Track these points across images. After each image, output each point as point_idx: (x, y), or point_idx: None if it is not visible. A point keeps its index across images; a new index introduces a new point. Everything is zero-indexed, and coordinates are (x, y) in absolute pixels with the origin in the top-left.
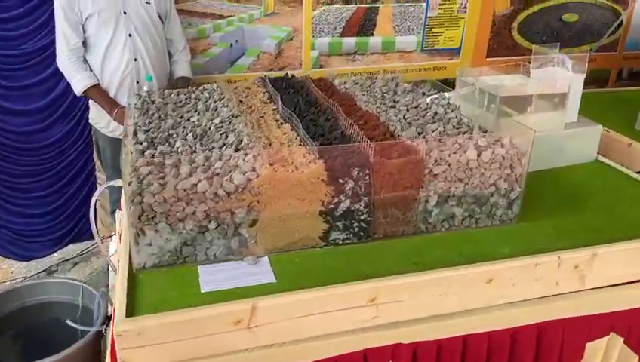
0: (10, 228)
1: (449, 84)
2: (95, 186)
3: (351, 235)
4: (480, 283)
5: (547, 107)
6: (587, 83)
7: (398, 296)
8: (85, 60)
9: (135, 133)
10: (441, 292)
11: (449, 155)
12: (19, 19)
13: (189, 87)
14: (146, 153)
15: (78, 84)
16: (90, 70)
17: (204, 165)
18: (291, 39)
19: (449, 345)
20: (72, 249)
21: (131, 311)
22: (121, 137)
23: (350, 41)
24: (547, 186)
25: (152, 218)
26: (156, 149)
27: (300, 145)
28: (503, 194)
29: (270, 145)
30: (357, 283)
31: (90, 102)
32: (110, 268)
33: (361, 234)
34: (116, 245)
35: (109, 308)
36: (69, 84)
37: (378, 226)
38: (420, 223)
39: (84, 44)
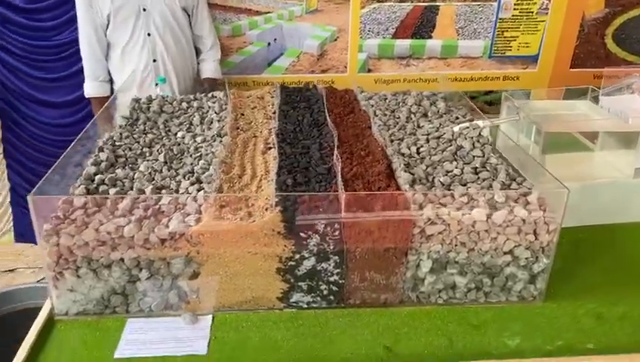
0: None
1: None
2: None
3: (318, 299)
4: None
5: (613, 146)
6: None
7: None
8: (106, 60)
9: (100, 149)
10: None
11: (449, 213)
12: (54, 9)
13: (200, 94)
14: (96, 178)
15: (86, 88)
16: (107, 73)
17: (150, 200)
18: (336, 39)
19: None
20: None
21: None
22: None
23: (404, 44)
24: (599, 250)
25: (74, 261)
26: (114, 172)
27: (272, 180)
28: (522, 266)
29: (240, 177)
30: None
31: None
32: None
33: (331, 298)
34: None
35: None
36: None
37: (353, 291)
38: (409, 291)
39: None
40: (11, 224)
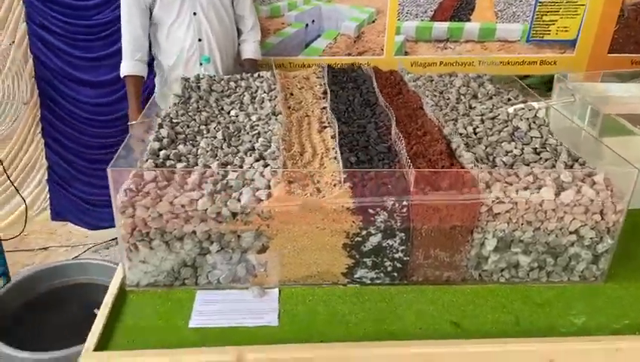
0: (82, 197)
1: (549, 85)
2: None
3: (382, 275)
4: None
5: None
6: None
7: None
8: (149, 41)
9: (160, 126)
10: None
11: (517, 192)
12: None
13: (245, 74)
14: (160, 153)
15: (123, 68)
16: (145, 54)
17: (217, 175)
18: (373, 21)
19: None
20: None
21: (107, 339)
22: None
23: (442, 27)
24: None
25: (147, 234)
26: (176, 148)
27: (335, 158)
28: (587, 245)
29: (301, 155)
30: (374, 345)
31: (156, 80)
32: None
33: (394, 274)
34: None
35: None
36: None
37: (417, 268)
38: (472, 269)
39: (151, 22)
40: (48, 202)
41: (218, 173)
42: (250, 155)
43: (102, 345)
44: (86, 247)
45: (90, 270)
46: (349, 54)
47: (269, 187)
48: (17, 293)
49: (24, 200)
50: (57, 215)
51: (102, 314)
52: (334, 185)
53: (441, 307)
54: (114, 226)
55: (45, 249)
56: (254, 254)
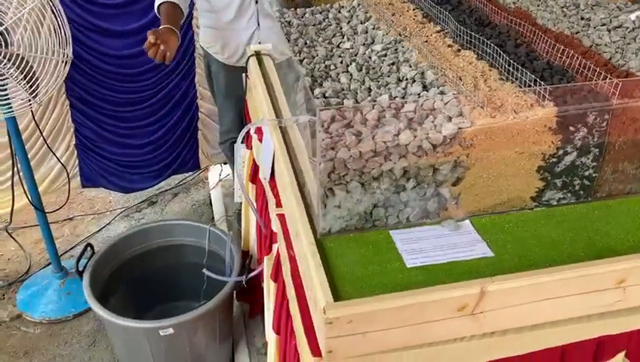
0: (112, 158)
1: None
2: (197, 116)
3: (568, 195)
4: None
5: None
6: None
7: None
8: None
9: (290, 65)
10: None
11: None
12: None
13: (314, 6)
14: (315, 91)
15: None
16: None
17: (390, 109)
18: None
19: None
20: (173, 179)
21: (334, 292)
22: (237, 65)
23: None
24: None
25: (344, 176)
26: (322, 86)
27: (501, 79)
28: None
29: (460, 79)
30: (604, 262)
31: (201, 24)
32: (214, 200)
33: (581, 193)
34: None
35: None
36: None
37: (602, 184)
38: None
39: None
40: (77, 169)
41: (393, 107)
42: (411, 85)
43: (335, 297)
44: (114, 214)
45: (174, 231)
46: None
47: (461, 115)
48: (104, 263)
49: (63, 165)
50: (88, 180)
51: (315, 264)
52: (531, 105)
53: (638, 219)
54: (149, 187)
55: (71, 219)
56: (448, 187)
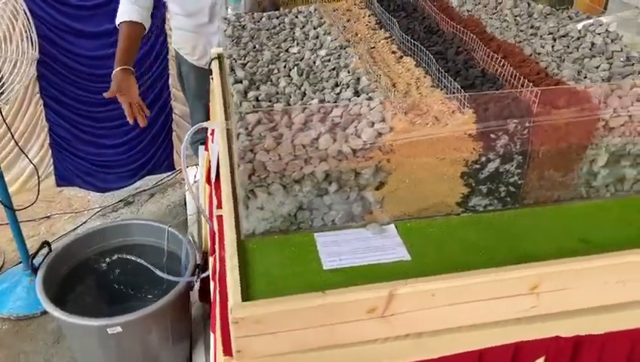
0: (86, 158)
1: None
2: (171, 117)
3: (495, 201)
4: None
5: None
6: None
7: (564, 283)
8: None
9: (232, 69)
10: (618, 280)
11: (632, 104)
12: None
13: (281, 9)
14: (249, 94)
15: (120, 14)
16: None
17: (319, 113)
18: None
19: (615, 341)
20: (149, 180)
21: (247, 291)
22: (206, 67)
23: None
24: None
25: (265, 178)
26: (259, 89)
27: (433, 86)
28: None
29: (394, 86)
30: (518, 267)
31: (173, 25)
32: (188, 201)
33: (507, 199)
34: (195, 177)
35: (197, 256)
36: None
37: (529, 191)
38: (580, 187)
39: None
40: (52, 168)
41: (323, 109)
42: (342, 91)
43: (246, 296)
44: (91, 213)
45: (132, 231)
46: None
47: (383, 120)
48: (61, 262)
49: (34, 165)
50: (62, 179)
51: (232, 265)
52: (453, 112)
53: (562, 226)
54: (124, 187)
55: (48, 218)
56: (372, 191)
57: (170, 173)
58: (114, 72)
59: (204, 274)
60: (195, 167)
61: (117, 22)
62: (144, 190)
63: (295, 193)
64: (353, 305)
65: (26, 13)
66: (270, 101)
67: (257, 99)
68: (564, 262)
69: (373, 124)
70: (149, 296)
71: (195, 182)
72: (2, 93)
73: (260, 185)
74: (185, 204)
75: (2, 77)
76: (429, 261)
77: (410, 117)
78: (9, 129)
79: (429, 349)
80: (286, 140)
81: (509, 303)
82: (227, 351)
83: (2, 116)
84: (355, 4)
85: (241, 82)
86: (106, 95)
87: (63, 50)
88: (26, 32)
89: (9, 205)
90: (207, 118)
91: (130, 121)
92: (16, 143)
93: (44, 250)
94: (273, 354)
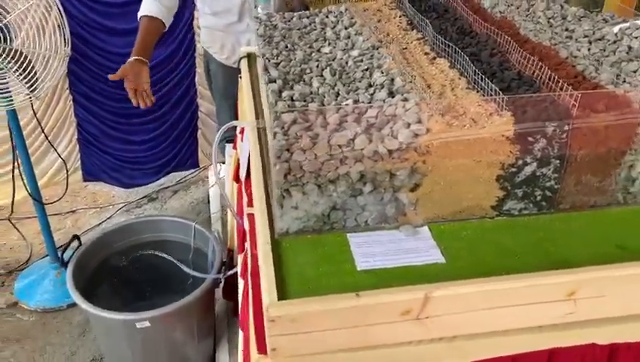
0: (113, 154)
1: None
2: (197, 115)
3: (530, 205)
4: None
5: None
6: None
7: (601, 290)
8: None
9: (266, 68)
10: None
11: None
12: None
13: (311, 10)
14: (283, 94)
15: (143, 7)
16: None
17: (353, 113)
18: None
19: None
20: (173, 177)
21: (281, 290)
22: (234, 66)
23: None
24: None
25: (300, 178)
26: (292, 89)
27: (468, 88)
28: None
29: (429, 87)
30: (556, 273)
31: (201, 24)
32: (212, 198)
33: (543, 204)
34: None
35: (224, 253)
36: None
37: (566, 195)
38: (617, 193)
39: None
40: (79, 163)
41: (356, 111)
42: (379, 91)
43: (281, 295)
44: (116, 208)
45: (160, 227)
46: None
47: (419, 121)
48: (91, 256)
49: (62, 160)
50: (89, 174)
51: (267, 264)
52: (490, 115)
53: (598, 231)
54: (149, 183)
55: (73, 212)
56: (406, 192)
57: (193, 171)
58: (129, 61)
59: (231, 271)
60: (219, 164)
61: (138, 15)
62: (167, 187)
63: (329, 193)
64: (388, 307)
65: (59, 9)
66: (305, 101)
67: (292, 99)
68: (602, 268)
69: (409, 125)
70: (175, 293)
71: (219, 178)
72: (35, 89)
73: (295, 185)
74: (208, 201)
75: (36, 72)
76: (462, 264)
77: (447, 118)
78: (39, 123)
79: (462, 352)
80: (322, 140)
81: (546, 309)
82: (261, 349)
83: (34, 110)
84: (385, 5)
85: (275, 82)
86: (110, 76)
87: (94, 48)
88: (59, 27)
89: (39, 199)
90: (234, 117)
91: (134, 103)
92: (46, 137)
93: (74, 244)
94: (307, 353)
